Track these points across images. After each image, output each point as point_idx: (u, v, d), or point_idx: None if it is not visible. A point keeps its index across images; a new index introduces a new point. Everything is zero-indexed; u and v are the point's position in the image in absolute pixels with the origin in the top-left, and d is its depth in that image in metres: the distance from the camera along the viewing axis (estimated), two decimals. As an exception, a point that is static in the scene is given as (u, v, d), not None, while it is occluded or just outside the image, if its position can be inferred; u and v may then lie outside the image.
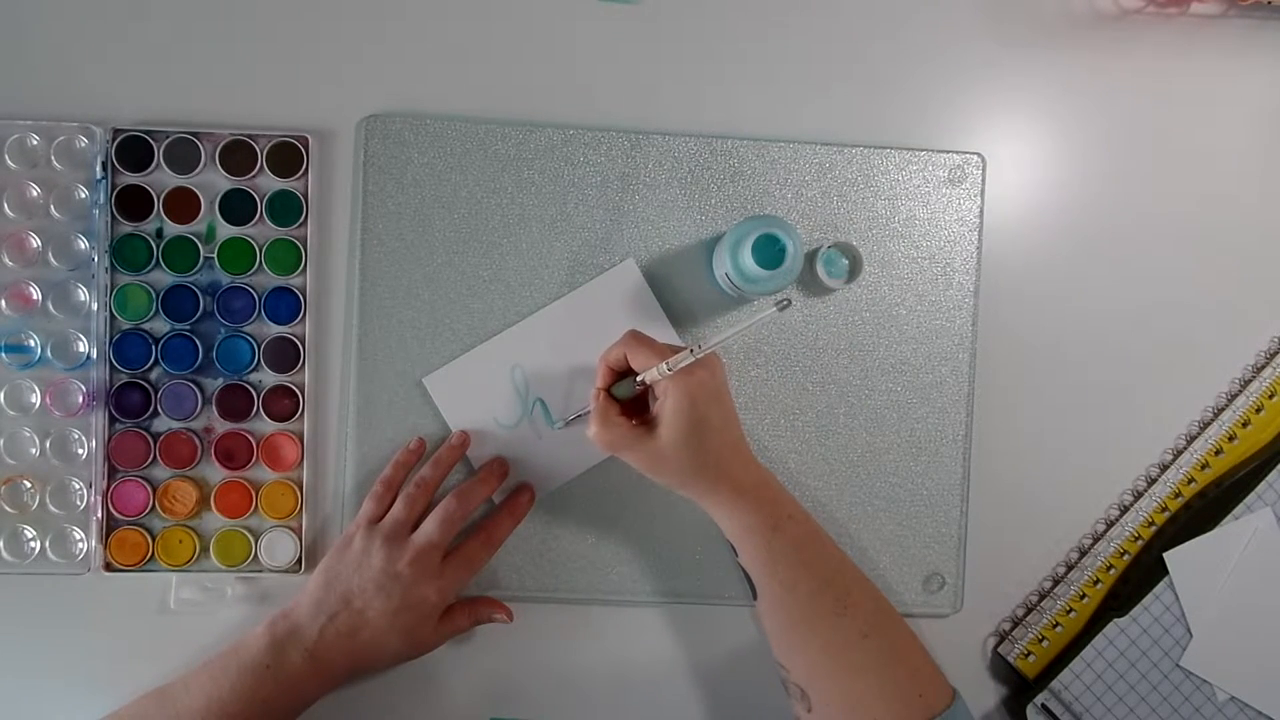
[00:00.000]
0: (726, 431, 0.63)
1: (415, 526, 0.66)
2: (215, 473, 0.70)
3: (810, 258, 0.72)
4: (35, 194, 0.69)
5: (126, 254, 0.69)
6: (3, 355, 0.69)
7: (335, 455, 0.71)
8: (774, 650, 0.63)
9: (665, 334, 0.72)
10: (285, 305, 0.70)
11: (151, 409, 0.69)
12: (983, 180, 0.74)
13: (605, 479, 0.71)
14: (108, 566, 0.69)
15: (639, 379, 0.63)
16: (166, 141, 0.69)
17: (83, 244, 0.69)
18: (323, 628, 0.64)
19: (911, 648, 0.61)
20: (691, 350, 0.61)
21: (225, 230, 0.70)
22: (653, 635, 0.73)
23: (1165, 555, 0.73)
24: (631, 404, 0.66)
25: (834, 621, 0.60)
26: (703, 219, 0.72)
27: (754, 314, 0.60)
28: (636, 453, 0.63)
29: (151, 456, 0.69)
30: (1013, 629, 0.75)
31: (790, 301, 0.61)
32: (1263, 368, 0.76)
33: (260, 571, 0.70)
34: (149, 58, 0.70)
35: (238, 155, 0.69)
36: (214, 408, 0.70)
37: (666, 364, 0.61)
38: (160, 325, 0.70)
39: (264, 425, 0.70)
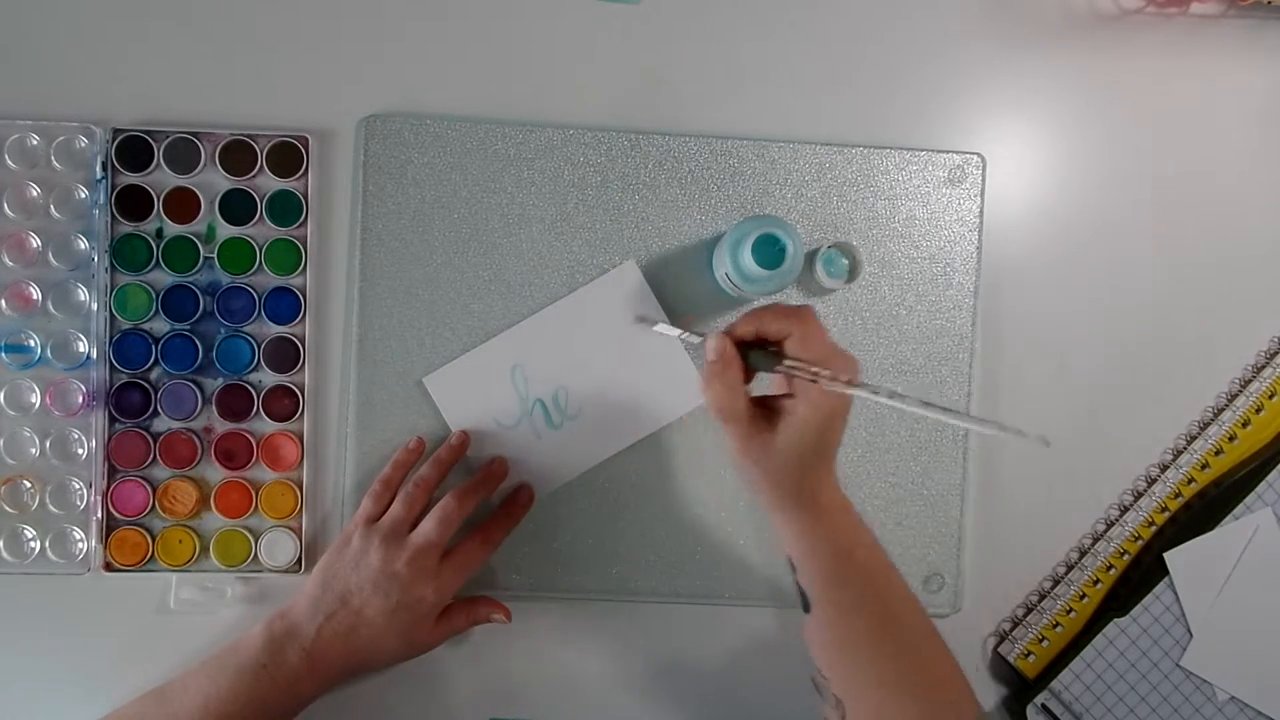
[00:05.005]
0: (834, 454, 0.60)
1: (414, 526, 0.66)
2: (215, 473, 0.70)
3: (810, 258, 0.72)
4: (35, 194, 0.69)
5: (126, 254, 0.69)
6: (3, 355, 0.69)
7: (335, 455, 0.71)
8: (815, 659, 0.61)
9: (665, 334, 0.72)
10: (285, 305, 0.70)
11: (151, 409, 0.69)
12: (983, 180, 0.74)
13: (605, 479, 0.71)
14: (108, 566, 0.69)
15: (787, 363, 0.56)
16: (166, 141, 0.69)
17: (83, 244, 0.69)
18: (320, 627, 0.63)
19: (953, 674, 0.59)
20: (870, 387, 0.55)
21: (225, 230, 0.70)
22: (653, 635, 0.73)
23: (1165, 555, 0.73)
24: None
25: (887, 651, 0.59)
26: (703, 219, 0.72)
27: (999, 425, 0.53)
28: (744, 432, 0.58)
29: (151, 456, 0.69)
30: (1013, 629, 0.75)
31: (1049, 443, 0.51)
32: (1263, 368, 0.76)
33: (260, 571, 0.70)
34: (149, 58, 0.70)
35: (238, 155, 0.69)
36: (214, 408, 0.70)
37: (834, 374, 0.55)
38: (160, 325, 0.70)
39: (264, 425, 0.70)
